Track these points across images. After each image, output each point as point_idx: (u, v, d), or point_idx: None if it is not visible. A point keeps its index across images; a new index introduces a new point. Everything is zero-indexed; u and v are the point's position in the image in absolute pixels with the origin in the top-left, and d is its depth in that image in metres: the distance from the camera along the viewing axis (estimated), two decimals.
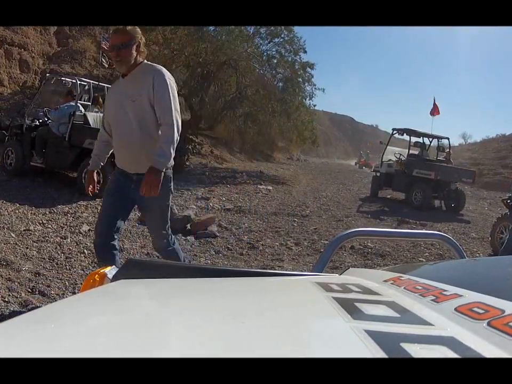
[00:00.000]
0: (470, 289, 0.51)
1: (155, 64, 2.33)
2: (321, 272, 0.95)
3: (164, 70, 2.28)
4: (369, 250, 4.79)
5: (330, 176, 17.41)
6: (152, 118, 2.23)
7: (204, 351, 0.35)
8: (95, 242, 2.48)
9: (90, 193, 2.52)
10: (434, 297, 0.50)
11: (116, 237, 2.40)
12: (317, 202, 8.93)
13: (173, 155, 2.22)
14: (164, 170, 2.21)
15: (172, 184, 2.46)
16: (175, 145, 2.21)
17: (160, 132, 2.24)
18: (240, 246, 4.63)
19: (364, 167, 29.21)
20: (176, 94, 2.28)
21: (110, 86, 4.14)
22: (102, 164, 2.58)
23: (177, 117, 2.21)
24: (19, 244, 3.74)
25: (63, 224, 4.68)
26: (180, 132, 2.24)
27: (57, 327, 0.42)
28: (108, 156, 2.59)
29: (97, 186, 2.58)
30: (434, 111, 12.38)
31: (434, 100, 12.63)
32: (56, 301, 2.63)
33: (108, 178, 4.30)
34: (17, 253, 3.49)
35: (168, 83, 2.22)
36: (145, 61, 2.32)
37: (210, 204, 6.90)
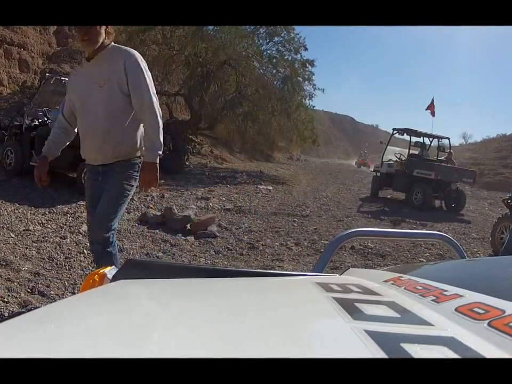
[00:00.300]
0: (470, 289, 0.51)
1: (123, 46, 2.19)
2: (322, 272, 0.95)
3: (135, 52, 2.14)
4: (370, 250, 4.79)
5: (330, 176, 17.42)
6: (122, 104, 2.10)
7: (204, 352, 0.35)
8: (91, 248, 2.37)
9: (40, 184, 2.25)
10: (435, 298, 0.50)
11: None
12: (317, 202, 8.94)
13: (162, 142, 2.11)
14: (156, 161, 2.11)
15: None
16: (162, 131, 2.12)
17: (143, 121, 2.12)
18: (240, 246, 4.63)
19: (361, 166, 30.86)
20: (150, 76, 2.15)
21: None
22: (57, 153, 2.33)
23: (156, 102, 2.11)
24: (18, 244, 3.74)
25: (63, 224, 4.68)
26: (161, 115, 2.15)
27: (57, 327, 0.42)
28: (64, 147, 2.37)
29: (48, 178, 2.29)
30: (431, 108, 12.38)
31: (432, 100, 12.63)
32: (55, 301, 2.63)
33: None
34: (16, 253, 3.49)
35: (142, 66, 2.09)
36: (113, 43, 2.17)
37: (210, 204, 6.90)
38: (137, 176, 2.22)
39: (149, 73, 2.13)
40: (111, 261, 2.14)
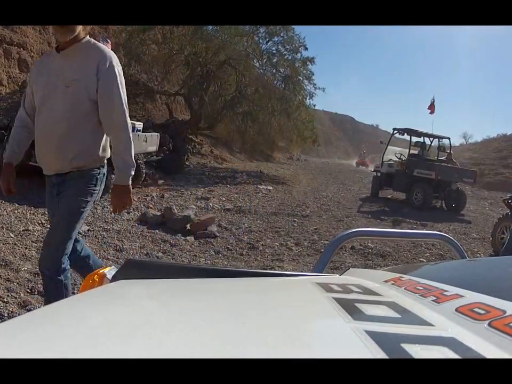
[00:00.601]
0: (470, 289, 0.51)
1: (99, 44, 1.94)
2: (322, 273, 0.95)
3: (111, 54, 1.90)
4: (370, 250, 4.80)
5: (330, 176, 17.42)
6: (87, 109, 1.87)
7: (204, 352, 0.35)
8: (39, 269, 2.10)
9: (7, 194, 2.06)
10: (435, 298, 0.50)
11: (78, 248, 2.16)
12: (317, 202, 8.94)
13: (134, 160, 1.94)
14: (129, 183, 1.93)
15: (99, 187, 2.01)
16: (133, 147, 1.92)
17: (112, 136, 1.93)
18: (240, 246, 4.63)
19: (360, 166, 31.86)
20: (124, 82, 1.93)
21: None
22: (21, 156, 2.08)
23: (127, 114, 1.91)
24: (18, 244, 3.74)
25: None
26: (131, 128, 1.97)
27: (57, 328, 0.42)
28: (27, 148, 2.10)
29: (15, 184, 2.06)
30: (431, 108, 12.39)
31: (433, 100, 12.63)
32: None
33: None
34: (16, 253, 3.49)
35: (117, 71, 1.87)
36: (88, 37, 1.92)
37: (210, 204, 6.90)
38: (94, 190, 1.99)
39: (123, 80, 1.92)
40: (61, 292, 1.91)
